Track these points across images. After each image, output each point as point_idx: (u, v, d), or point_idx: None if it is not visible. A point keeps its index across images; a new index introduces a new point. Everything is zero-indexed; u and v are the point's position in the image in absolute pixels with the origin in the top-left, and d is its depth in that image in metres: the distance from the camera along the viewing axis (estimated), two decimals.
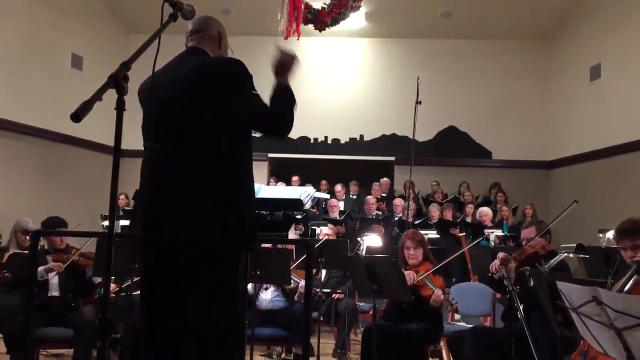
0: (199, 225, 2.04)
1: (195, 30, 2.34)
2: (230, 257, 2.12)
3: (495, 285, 3.87)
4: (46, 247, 4.37)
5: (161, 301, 2.10)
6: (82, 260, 4.34)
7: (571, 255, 4.13)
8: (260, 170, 9.68)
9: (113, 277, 4.18)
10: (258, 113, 2.13)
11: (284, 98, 2.20)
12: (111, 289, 4.24)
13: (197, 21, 2.33)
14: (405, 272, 3.85)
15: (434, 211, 8.03)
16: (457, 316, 5.40)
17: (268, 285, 4.60)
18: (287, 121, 2.17)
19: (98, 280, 4.44)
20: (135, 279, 4.11)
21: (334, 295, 5.35)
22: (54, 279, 4.27)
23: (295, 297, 4.54)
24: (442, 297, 3.84)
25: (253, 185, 2.23)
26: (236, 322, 2.20)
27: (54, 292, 4.27)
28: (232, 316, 2.12)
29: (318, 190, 8.97)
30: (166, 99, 2.14)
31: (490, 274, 3.81)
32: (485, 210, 7.93)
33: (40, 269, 4.08)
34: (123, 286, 4.50)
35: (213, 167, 2.09)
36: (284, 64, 2.28)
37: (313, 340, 4.42)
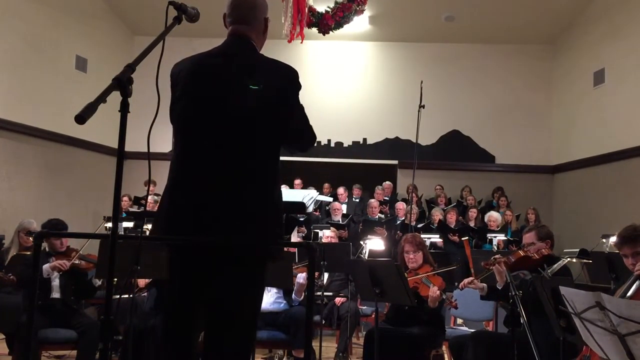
0: (258, 226, 2.01)
1: (243, 18, 2.18)
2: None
3: (487, 298, 3.89)
4: (47, 249, 4.35)
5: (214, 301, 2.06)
6: (82, 264, 4.33)
7: (574, 260, 4.12)
8: None
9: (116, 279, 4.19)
10: (308, 129, 2.19)
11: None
12: (141, 284, 4.25)
13: (246, 9, 2.19)
14: None
15: (437, 215, 8.02)
16: (459, 321, 5.39)
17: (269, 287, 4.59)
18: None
19: (98, 283, 4.44)
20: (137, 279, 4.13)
21: (336, 299, 5.35)
22: (55, 281, 4.26)
23: (294, 295, 4.52)
24: (438, 293, 3.84)
25: None
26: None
27: (55, 294, 4.26)
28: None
29: (321, 193, 9.01)
30: (236, 96, 2.03)
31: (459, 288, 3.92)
32: (495, 216, 7.91)
33: (46, 266, 4.08)
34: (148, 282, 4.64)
35: (274, 169, 2.10)
36: None
37: (314, 344, 4.41)
